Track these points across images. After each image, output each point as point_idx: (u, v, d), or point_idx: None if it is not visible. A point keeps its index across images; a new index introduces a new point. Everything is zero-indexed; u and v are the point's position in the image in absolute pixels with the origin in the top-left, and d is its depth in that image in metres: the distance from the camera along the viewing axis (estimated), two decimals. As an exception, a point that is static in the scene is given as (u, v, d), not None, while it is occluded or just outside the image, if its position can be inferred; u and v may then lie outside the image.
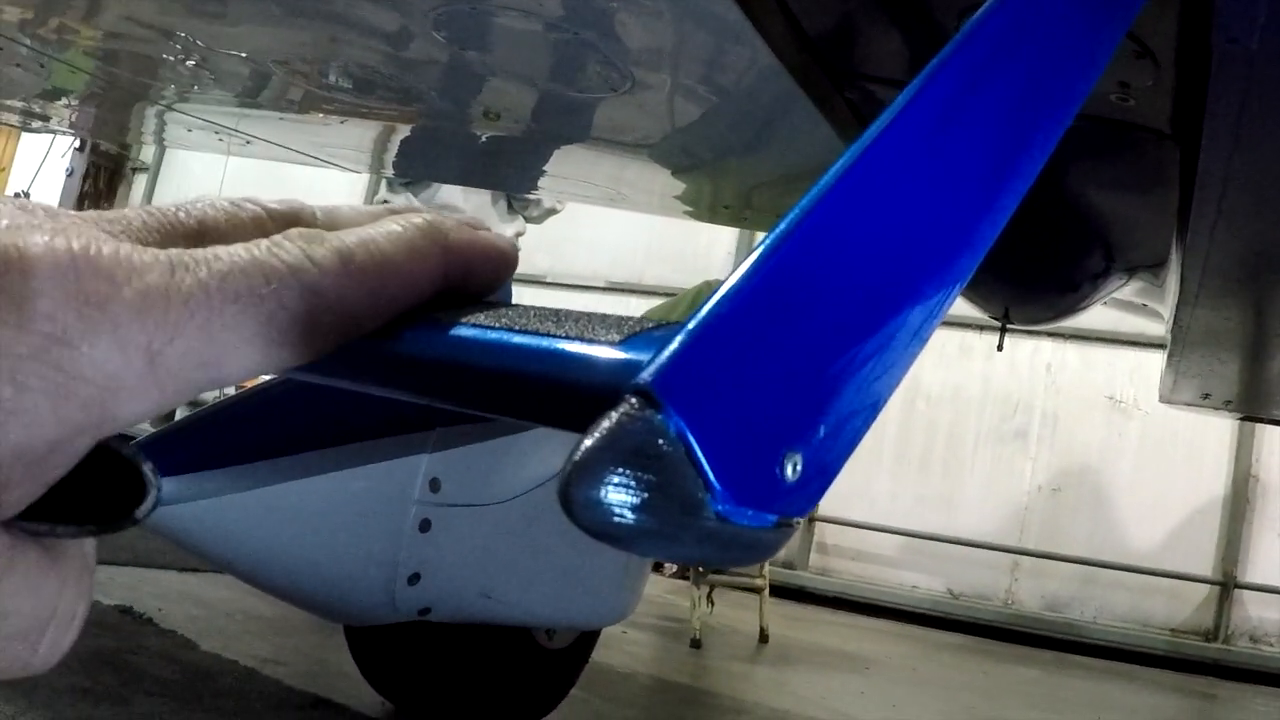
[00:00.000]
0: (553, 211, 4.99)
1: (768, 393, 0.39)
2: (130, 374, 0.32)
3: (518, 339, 0.39)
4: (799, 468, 0.39)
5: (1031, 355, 8.85)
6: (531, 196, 4.77)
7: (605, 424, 0.33)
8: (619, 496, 0.33)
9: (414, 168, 4.25)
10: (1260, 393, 3.48)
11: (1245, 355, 2.96)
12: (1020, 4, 0.67)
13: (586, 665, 2.94)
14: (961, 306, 3.08)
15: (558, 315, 0.41)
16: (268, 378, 2.10)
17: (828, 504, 8.90)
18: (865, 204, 0.48)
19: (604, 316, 0.41)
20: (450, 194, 4.66)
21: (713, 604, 5.56)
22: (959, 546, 8.69)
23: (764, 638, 5.69)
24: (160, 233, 0.36)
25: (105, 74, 3.36)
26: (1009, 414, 8.92)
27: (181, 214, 0.38)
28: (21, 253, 0.31)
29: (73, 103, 4.37)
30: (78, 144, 11.40)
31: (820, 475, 0.41)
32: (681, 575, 6.63)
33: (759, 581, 5.96)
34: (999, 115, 0.61)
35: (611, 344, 0.38)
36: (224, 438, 1.84)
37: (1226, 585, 8.11)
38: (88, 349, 0.31)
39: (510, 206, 4.84)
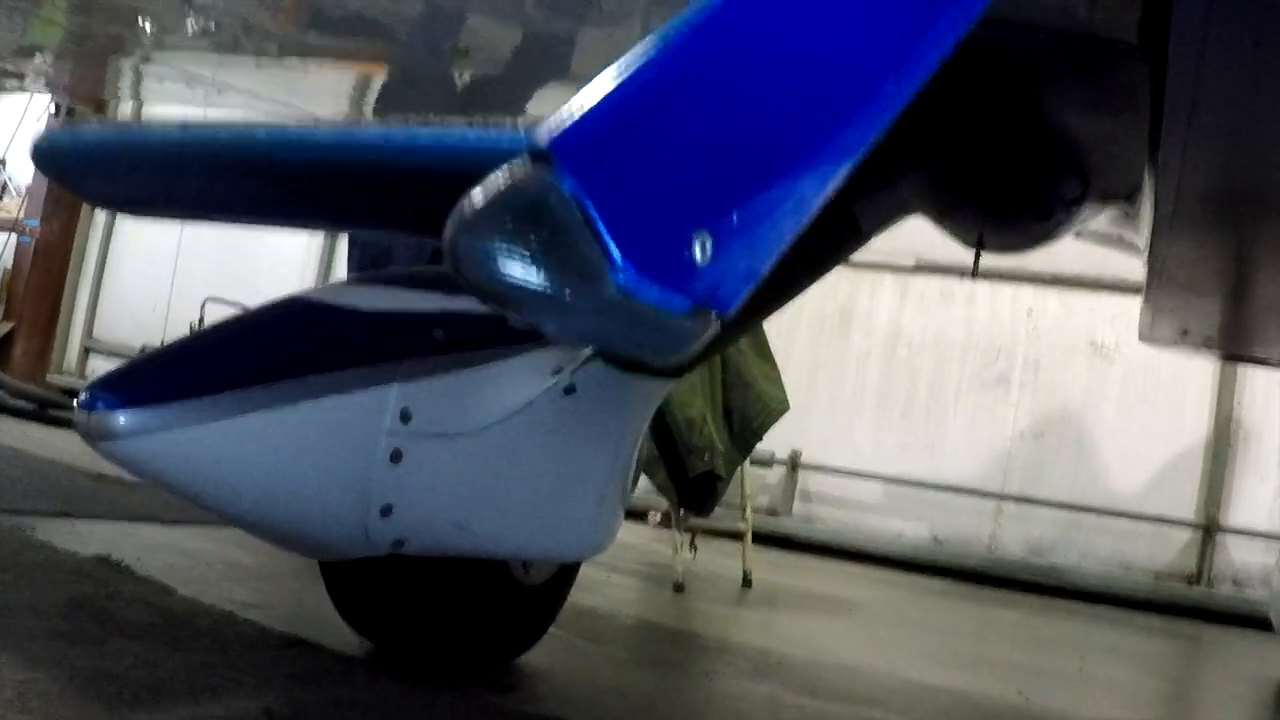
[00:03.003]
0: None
1: (674, 166, 0.37)
2: None
3: (424, 133, 0.38)
4: (709, 250, 0.38)
5: (1012, 301, 8.85)
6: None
7: (495, 177, 0.32)
8: (508, 251, 0.31)
9: (392, 113, 4.21)
10: (1240, 329, 3.47)
11: (1223, 288, 2.94)
12: None
13: (566, 603, 2.94)
14: (942, 251, 3.07)
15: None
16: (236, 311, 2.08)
17: (811, 450, 8.93)
18: None
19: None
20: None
21: (695, 549, 5.56)
22: (942, 492, 8.73)
23: (747, 582, 5.70)
24: None
25: (80, 25, 3.32)
26: (991, 360, 8.93)
27: None
28: None
29: (47, 59, 4.32)
30: (53, 108, 11.27)
31: (735, 265, 0.39)
32: (664, 524, 6.64)
33: (741, 526, 5.96)
34: None
35: (514, 128, 0.37)
36: (191, 369, 1.82)
37: (1209, 529, 8.15)
38: None
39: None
